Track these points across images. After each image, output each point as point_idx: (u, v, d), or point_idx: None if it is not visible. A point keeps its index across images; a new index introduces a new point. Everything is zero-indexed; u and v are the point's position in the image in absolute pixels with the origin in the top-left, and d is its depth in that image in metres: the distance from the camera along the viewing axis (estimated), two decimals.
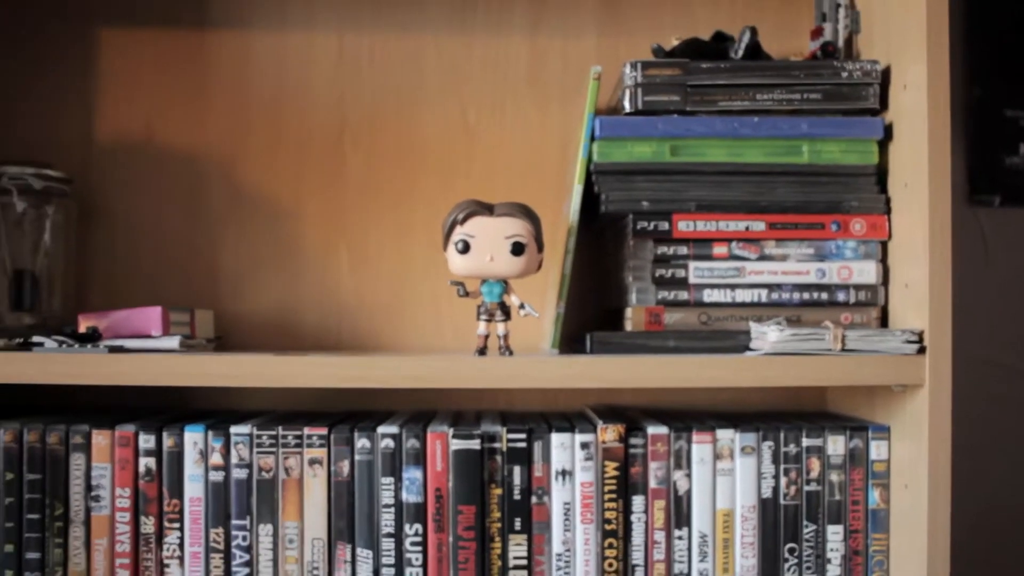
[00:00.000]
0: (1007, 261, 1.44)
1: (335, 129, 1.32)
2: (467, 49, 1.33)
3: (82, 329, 1.11)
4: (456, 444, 1.08)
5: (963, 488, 1.36)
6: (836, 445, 1.12)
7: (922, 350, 1.04)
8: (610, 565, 1.09)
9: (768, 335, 1.05)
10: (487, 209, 1.05)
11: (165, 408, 1.24)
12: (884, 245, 1.14)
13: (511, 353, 1.07)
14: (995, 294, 1.44)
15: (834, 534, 1.11)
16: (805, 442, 1.11)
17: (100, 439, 1.09)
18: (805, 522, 1.11)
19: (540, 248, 1.07)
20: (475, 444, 1.08)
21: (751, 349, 1.08)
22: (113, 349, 1.05)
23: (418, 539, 1.08)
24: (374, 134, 1.32)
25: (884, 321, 1.14)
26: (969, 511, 1.38)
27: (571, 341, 1.18)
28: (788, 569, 1.10)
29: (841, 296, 1.14)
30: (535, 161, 1.31)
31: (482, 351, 1.07)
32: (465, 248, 1.05)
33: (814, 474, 1.11)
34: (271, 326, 1.30)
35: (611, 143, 1.12)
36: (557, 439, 1.09)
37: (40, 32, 1.31)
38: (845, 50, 1.23)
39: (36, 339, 1.06)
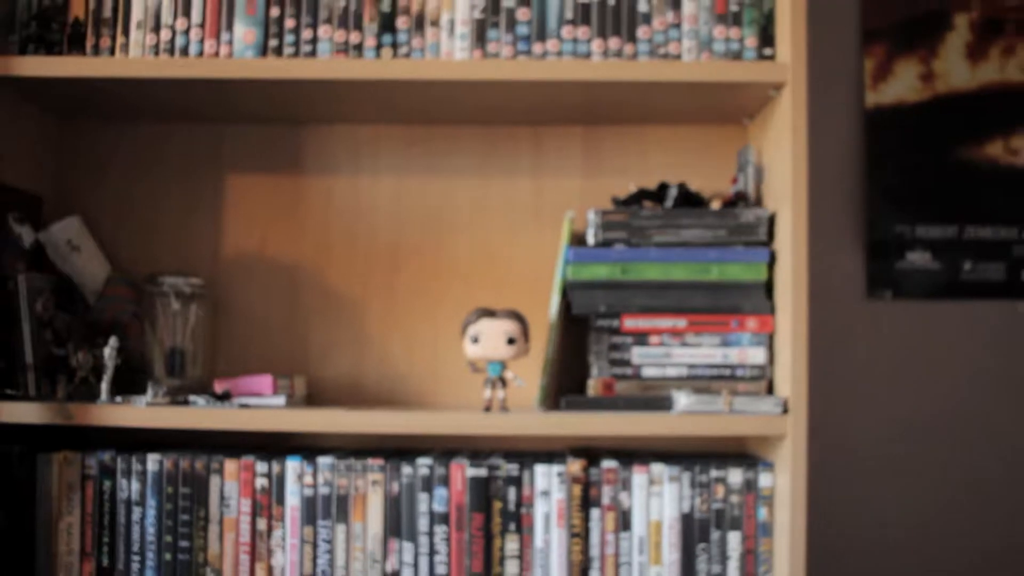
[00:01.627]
0: (898, 340, 1.91)
1: (393, 247, 1.84)
2: (487, 188, 1.84)
3: (218, 391, 1.64)
4: (471, 472, 1.59)
5: (839, 504, 1.84)
6: (735, 476, 1.60)
7: (786, 411, 1.53)
8: (576, 556, 1.59)
9: (681, 400, 1.55)
10: (491, 314, 1.56)
11: (271, 444, 1.75)
12: (771, 336, 1.63)
13: (507, 411, 1.57)
14: (886, 366, 1.91)
15: (733, 538, 1.60)
16: (714, 473, 1.60)
17: (230, 465, 1.61)
18: (713, 529, 1.60)
19: (527, 340, 1.58)
20: (484, 472, 1.59)
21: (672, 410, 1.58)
22: (242, 405, 1.57)
23: (444, 536, 1.59)
24: (421, 251, 1.84)
25: (771, 390, 1.63)
26: (835, 520, 1.86)
27: (551, 402, 1.67)
28: (701, 561, 1.59)
29: (740, 372, 1.63)
30: (536, 273, 1.80)
31: (487, 409, 1.58)
32: (476, 340, 1.56)
33: (720, 496, 1.60)
34: (345, 388, 1.82)
35: (579, 266, 1.63)
36: (540, 469, 1.59)
37: (183, 179, 1.85)
38: (755, 194, 1.72)
39: (191, 398, 1.59)
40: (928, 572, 1.87)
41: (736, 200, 1.70)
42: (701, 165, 1.83)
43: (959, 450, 1.89)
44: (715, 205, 1.69)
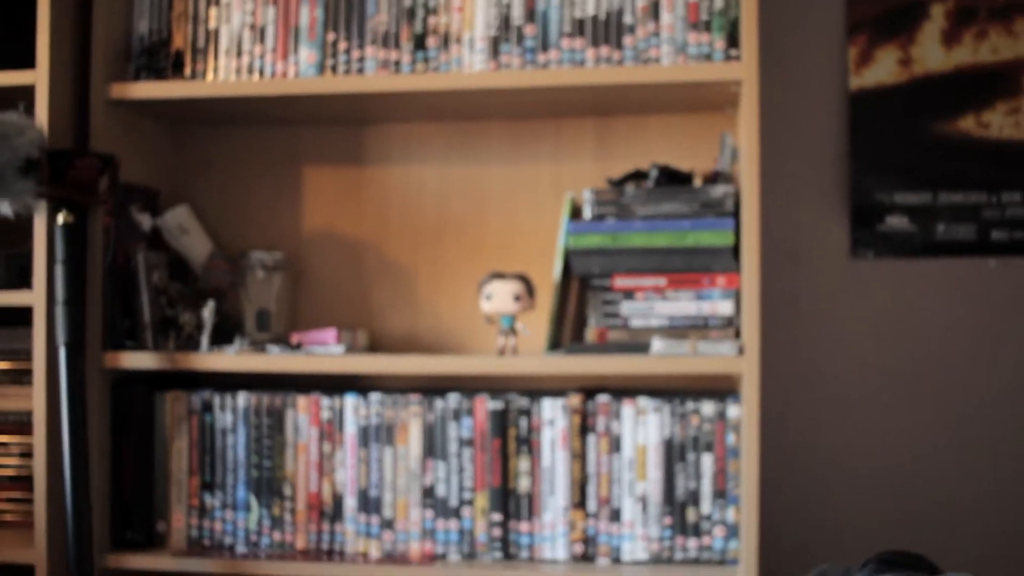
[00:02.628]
0: (879, 295, 2.20)
1: (439, 224, 2.22)
2: (516, 173, 2.20)
3: (292, 342, 2.05)
4: (491, 405, 1.97)
5: (787, 430, 2.14)
6: (708, 408, 1.94)
7: (741, 352, 1.86)
8: (576, 473, 1.95)
9: (656, 344, 1.89)
10: (501, 276, 1.94)
11: (337, 384, 2.16)
12: (737, 292, 1.95)
13: (516, 354, 1.94)
14: (869, 319, 2.20)
15: (707, 459, 1.94)
16: (690, 406, 1.94)
17: (302, 401, 2.02)
18: (690, 452, 1.94)
19: (531, 297, 1.94)
20: (501, 405, 1.97)
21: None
22: (309, 353, 1.98)
23: (470, 456, 1.97)
24: (461, 226, 2.22)
25: (738, 336, 1.95)
26: (788, 444, 2.16)
27: (556, 348, 2.03)
28: (679, 478, 1.93)
29: (711, 322, 1.96)
30: (554, 244, 2.17)
31: (501, 353, 1.95)
32: (489, 298, 1.93)
33: (695, 424, 1.94)
34: (401, 339, 2.22)
35: (578, 236, 1.98)
36: (547, 402, 1.96)
37: (269, 172, 2.28)
38: (732, 172, 2.04)
39: (269, 347, 2.01)
40: (897, 497, 2.17)
41: (715, 178, 2.02)
42: (696, 148, 2.15)
43: (932, 393, 2.17)
44: (697, 182, 2.02)
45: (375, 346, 2.22)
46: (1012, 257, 2.17)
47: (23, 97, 1.97)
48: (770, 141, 2.15)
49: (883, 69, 2.22)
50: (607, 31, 1.97)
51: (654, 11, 1.96)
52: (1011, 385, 2.15)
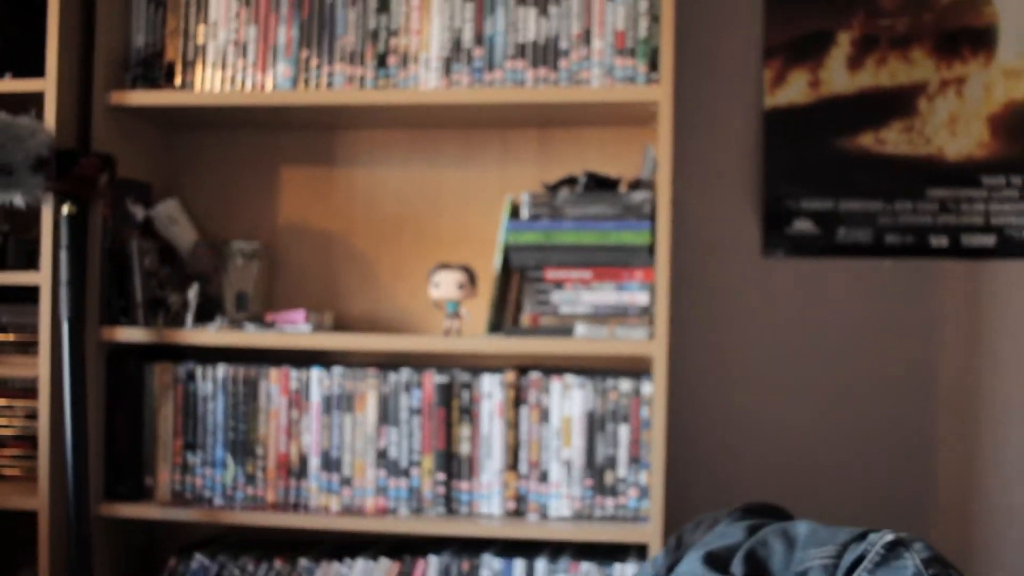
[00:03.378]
0: (787, 290, 2.50)
1: (399, 220, 2.52)
2: (466, 176, 2.49)
3: (267, 321, 2.34)
4: (437, 379, 2.26)
5: (701, 406, 2.43)
6: (625, 384, 2.23)
7: (653, 337, 2.16)
8: (510, 440, 2.25)
9: (580, 329, 2.19)
10: (447, 267, 2.23)
11: (304, 359, 2.45)
12: (652, 285, 2.24)
13: (460, 335, 2.24)
14: (777, 311, 2.50)
15: (623, 429, 2.23)
16: (609, 383, 2.24)
17: (273, 373, 2.32)
18: (609, 423, 2.24)
19: (474, 285, 2.24)
20: (446, 379, 2.26)
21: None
22: (280, 331, 2.28)
23: (419, 424, 2.27)
24: (418, 222, 2.51)
25: (652, 324, 2.25)
26: (701, 418, 2.45)
27: (495, 330, 2.33)
28: (599, 446, 2.23)
29: (630, 311, 2.25)
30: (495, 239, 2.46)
31: (447, 334, 2.25)
32: (437, 286, 2.23)
33: (614, 399, 2.24)
34: (364, 320, 2.51)
35: (516, 233, 2.27)
36: (486, 377, 2.26)
37: (250, 171, 2.57)
38: (654, 180, 2.32)
39: (246, 325, 2.30)
40: (794, 465, 2.47)
41: (638, 184, 2.31)
42: (625, 157, 2.44)
43: (830, 376, 2.47)
44: (623, 188, 2.31)
45: (339, 326, 2.51)
46: (904, 259, 2.47)
47: (33, 103, 2.26)
48: (692, 152, 2.46)
49: (794, 90, 2.51)
50: (545, 55, 2.26)
51: (586, 38, 2.25)
52: (900, 371, 2.45)
